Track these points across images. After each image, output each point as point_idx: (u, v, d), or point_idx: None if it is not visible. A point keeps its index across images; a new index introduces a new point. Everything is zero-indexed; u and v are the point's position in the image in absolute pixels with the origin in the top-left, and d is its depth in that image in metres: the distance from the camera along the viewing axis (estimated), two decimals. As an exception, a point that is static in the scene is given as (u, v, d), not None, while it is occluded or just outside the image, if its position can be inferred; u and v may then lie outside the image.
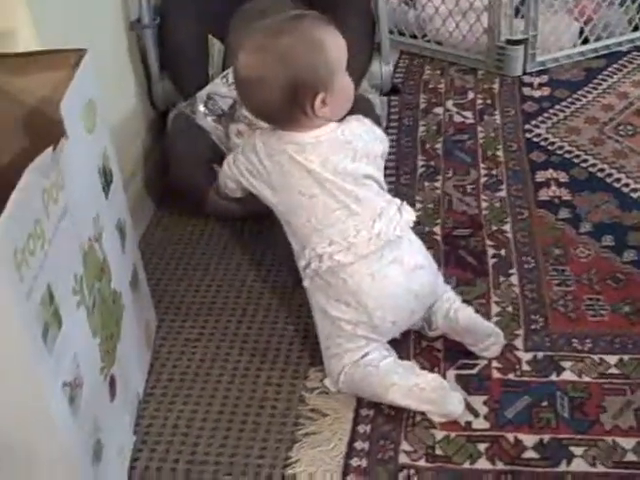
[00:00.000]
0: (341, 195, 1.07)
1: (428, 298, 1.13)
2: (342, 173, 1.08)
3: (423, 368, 1.13)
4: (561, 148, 1.63)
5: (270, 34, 1.07)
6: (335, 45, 1.08)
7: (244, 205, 1.28)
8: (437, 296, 1.15)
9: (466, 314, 1.14)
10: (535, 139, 1.67)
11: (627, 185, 1.50)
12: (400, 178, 1.57)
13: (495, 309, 1.24)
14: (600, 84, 1.86)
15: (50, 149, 0.83)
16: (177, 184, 1.40)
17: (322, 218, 1.08)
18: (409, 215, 1.11)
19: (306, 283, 1.11)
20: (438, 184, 1.55)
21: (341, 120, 1.12)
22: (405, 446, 1.03)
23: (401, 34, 2.08)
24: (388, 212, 1.09)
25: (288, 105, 1.07)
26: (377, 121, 1.44)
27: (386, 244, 1.07)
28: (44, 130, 0.92)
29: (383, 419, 1.07)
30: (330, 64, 1.07)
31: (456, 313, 1.14)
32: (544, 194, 1.50)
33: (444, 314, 1.15)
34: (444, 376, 1.12)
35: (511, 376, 1.12)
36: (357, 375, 1.08)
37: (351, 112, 1.17)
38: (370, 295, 1.07)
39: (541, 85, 1.88)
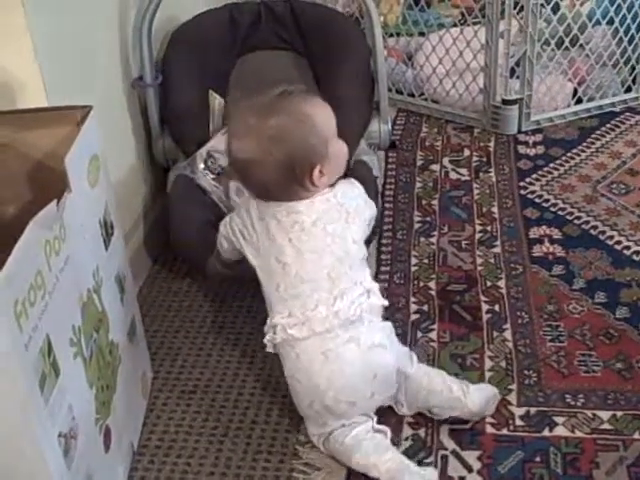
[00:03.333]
0: (315, 269, 1.06)
1: (389, 378, 1.09)
2: (332, 235, 1.08)
3: (416, 423, 1.14)
4: (555, 205, 1.66)
5: (260, 116, 1.06)
6: (324, 115, 1.09)
7: (242, 272, 1.28)
8: (406, 377, 1.11)
9: (473, 402, 1.11)
10: (529, 196, 1.70)
11: (620, 242, 1.52)
12: (396, 233, 1.59)
13: (489, 364, 1.25)
14: (593, 143, 1.90)
15: (54, 203, 0.85)
16: (177, 250, 1.41)
17: (289, 288, 1.07)
18: (376, 300, 1.09)
19: (269, 349, 1.10)
20: (434, 239, 1.57)
21: (333, 184, 1.12)
22: (398, 501, 1.03)
23: (399, 92, 2.13)
24: (352, 293, 1.06)
25: (286, 181, 1.07)
26: (375, 183, 1.46)
27: (343, 324, 1.05)
28: (49, 184, 0.95)
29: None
30: (322, 135, 1.07)
31: (459, 401, 1.11)
32: (538, 250, 1.52)
33: (445, 404, 1.12)
34: (437, 431, 1.13)
35: (504, 431, 1.13)
36: (330, 449, 1.09)
37: (350, 176, 1.19)
38: (321, 375, 1.05)
39: (535, 144, 1.92)
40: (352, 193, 1.13)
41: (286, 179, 1.07)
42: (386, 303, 1.12)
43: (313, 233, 1.08)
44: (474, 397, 1.12)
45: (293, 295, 1.07)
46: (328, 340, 1.05)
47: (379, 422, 1.11)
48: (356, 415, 1.09)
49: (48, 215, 0.83)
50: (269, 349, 1.11)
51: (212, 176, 1.44)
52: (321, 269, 1.07)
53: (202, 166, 1.44)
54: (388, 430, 1.11)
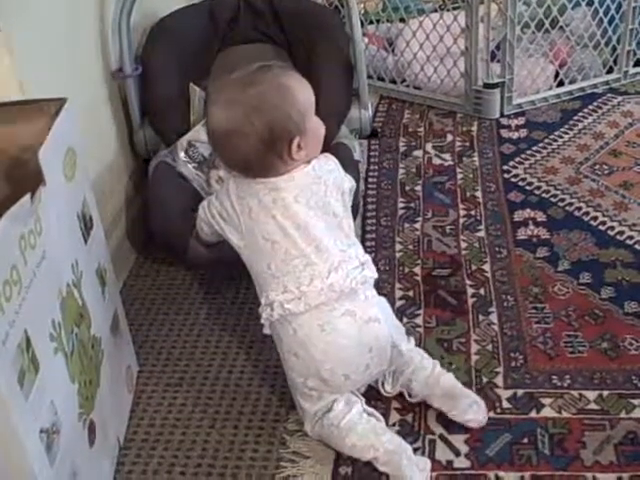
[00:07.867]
0: (303, 243, 1.07)
1: (384, 352, 1.09)
2: (314, 208, 1.08)
3: (403, 409, 1.14)
4: (538, 188, 1.66)
5: (239, 86, 1.07)
6: (302, 89, 1.10)
7: (224, 253, 1.28)
8: (399, 352, 1.12)
9: (447, 379, 1.13)
10: (513, 179, 1.70)
11: (604, 223, 1.52)
12: (380, 220, 1.59)
13: (475, 347, 1.25)
14: (576, 125, 1.90)
15: (27, 197, 0.84)
16: (158, 234, 1.40)
17: (281, 265, 1.07)
18: (370, 272, 1.10)
19: (266, 330, 1.11)
20: (418, 225, 1.57)
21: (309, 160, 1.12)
22: (386, 487, 1.03)
23: (380, 79, 2.12)
24: (347, 266, 1.07)
25: (265, 153, 1.07)
26: (356, 166, 1.46)
27: (339, 296, 1.05)
28: (25, 178, 0.94)
29: (364, 461, 1.07)
30: (301, 107, 1.08)
31: (437, 378, 1.13)
32: (522, 233, 1.52)
33: (424, 381, 1.13)
34: (425, 416, 1.13)
35: (491, 414, 1.12)
36: (322, 433, 1.09)
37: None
38: (318, 347, 1.05)
39: (518, 127, 1.92)
40: (328, 166, 1.13)
41: (265, 150, 1.07)
42: (376, 275, 1.12)
43: (295, 209, 1.08)
44: (447, 377, 1.14)
45: (285, 272, 1.06)
46: (324, 313, 1.05)
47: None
48: (349, 390, 1.10)
49: (22, 209, 0.82)
50: (266, 330, 1.10)
51: (193, 164, 1.43)
52: (309, 243, 1.07)
53: (183, 154, 1.43)
54: (380, 415, 1.11)
